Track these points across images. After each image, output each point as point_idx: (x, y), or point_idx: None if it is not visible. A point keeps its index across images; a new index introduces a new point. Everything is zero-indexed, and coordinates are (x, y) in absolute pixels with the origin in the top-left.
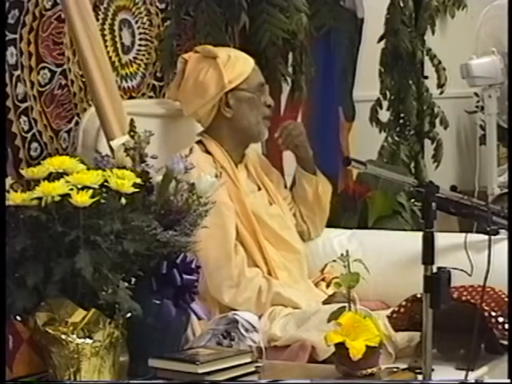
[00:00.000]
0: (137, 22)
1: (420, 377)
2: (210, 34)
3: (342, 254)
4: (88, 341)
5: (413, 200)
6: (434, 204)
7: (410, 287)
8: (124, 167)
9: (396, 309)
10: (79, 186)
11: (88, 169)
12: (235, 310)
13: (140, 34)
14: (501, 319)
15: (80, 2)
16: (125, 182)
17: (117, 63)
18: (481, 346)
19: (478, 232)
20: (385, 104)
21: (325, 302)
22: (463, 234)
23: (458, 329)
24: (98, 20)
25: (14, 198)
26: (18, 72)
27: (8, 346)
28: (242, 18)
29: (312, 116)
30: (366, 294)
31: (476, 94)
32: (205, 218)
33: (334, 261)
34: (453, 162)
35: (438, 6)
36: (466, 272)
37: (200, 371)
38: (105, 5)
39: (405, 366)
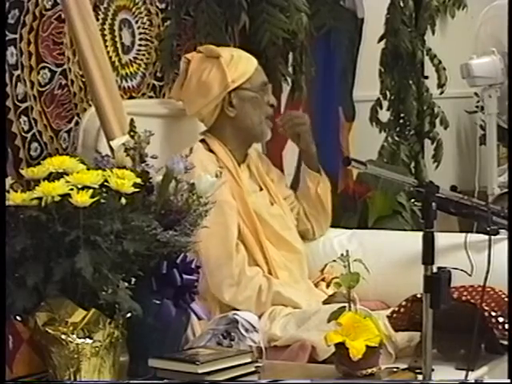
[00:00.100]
0: (137, 22)
1: (420, 377)
2: (210, 33)
3: (342, 254)
4: (88, 341)
5: (413, 200)
6: (434, 204)
7: (410, 287)
8: (124, 167)
9: (396, 309)
10: (79, 186)
11: (88, 169)
12: (235, 308)
13: (140, 33)
14: (501, 319)
15: (80, 2)
16: (125, 181)
17: (117, 63)
18: (481, 346)
19: (478, 232)
20: (385, 104)
21: (325, 302)
22: (463, 234)
23: (458, 329)
24: (98, 20)
25: (14, 197)
26: (18, 72)
27: (8, 346)
28: (242, 18)
29: (312, 116)
30: (366, 294)
31: (476, 94)
32: (206, 217)
33: (334, 261)
34: (453, 161)
35: (438, 6)
36: (466, 272)
37: (200, 371)
38: (105, 5)
39: (405, 366)
